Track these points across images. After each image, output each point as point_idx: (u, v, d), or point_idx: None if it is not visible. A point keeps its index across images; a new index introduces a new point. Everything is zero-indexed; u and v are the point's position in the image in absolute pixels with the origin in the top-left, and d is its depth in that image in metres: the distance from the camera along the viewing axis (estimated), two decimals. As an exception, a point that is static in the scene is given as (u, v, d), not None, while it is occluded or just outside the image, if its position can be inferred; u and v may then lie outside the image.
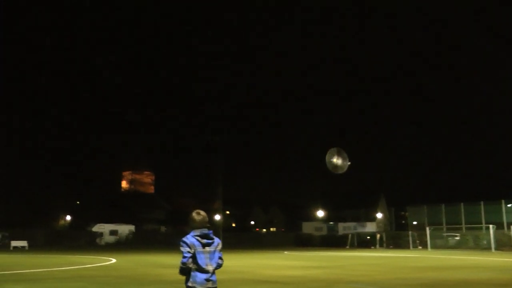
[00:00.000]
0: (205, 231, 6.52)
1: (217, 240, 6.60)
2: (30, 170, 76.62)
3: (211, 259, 6.47)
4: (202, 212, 6.71)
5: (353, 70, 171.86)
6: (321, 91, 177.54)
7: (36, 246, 59.53)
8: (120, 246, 64.93)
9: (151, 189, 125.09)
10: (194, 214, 6.64)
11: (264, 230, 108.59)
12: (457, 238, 54.23)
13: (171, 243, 65.47)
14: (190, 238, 6.47)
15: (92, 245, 65.54)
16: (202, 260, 6.39)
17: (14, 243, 57.38)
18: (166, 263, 28.03)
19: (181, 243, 6.47)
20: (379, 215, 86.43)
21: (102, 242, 67.87)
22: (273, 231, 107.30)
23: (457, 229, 54.88)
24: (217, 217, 70.19)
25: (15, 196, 73.90)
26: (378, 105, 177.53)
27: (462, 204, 57.62)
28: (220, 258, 6.62)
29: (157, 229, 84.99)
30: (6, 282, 17.37)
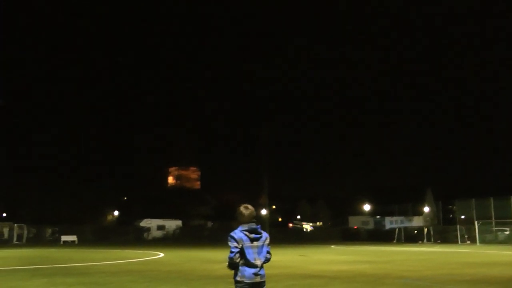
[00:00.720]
0: (253, 225, 6.51)
1: (265, 235, 6.58)
2: (79, 167, 77.89)
3: (259, 253, 6.46)
4: (250, 207, 6.69)
5: (397, 68, 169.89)
6: (368, 88, 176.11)
7: (85, 241, 60.56)
8: (167, 241, 65.48)
9: (197, 185, 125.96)
10: (242, 208, 6.62)
11: (310, 224, 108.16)
12: (507, 232, 53.08)
13: (218, 238, 65.76)
14: (238, 233, 6.46)
15: (140, 240, 66.27)
16: (251, 254, 6.38)
17: (64, 238, 58.53)
18: (214, 258, 28.13)
19: (229, 238, 6.47)
20: (426, 209, 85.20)
21: (150, 237, 68.59)
22: (319, 226, 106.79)
23: (507, 224, 53.61)
24: (263, 211, 70.23)
25: (65, 192, 75.23)
26: (424, 98, 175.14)
27: (512, 197, 56.28)
28: (268, 252, 6.61)
29: (204, 224, 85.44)
30: (58, 275, 17.69)
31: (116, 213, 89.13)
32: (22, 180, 73.33)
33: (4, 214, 78.77)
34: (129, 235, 67.29)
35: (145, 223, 70.61)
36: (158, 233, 69.69)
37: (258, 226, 6.55)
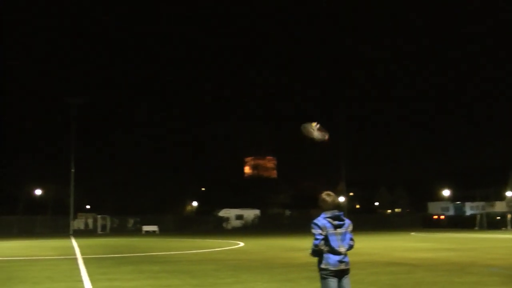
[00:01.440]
0: (336, 212, 6.49)
1: (347, 222, 6.56)
2: (159, 160, 79.55)
3: (342, 240, 6.44)
4: (332, 194, 6.68)
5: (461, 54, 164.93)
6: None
7: (166, 230, 61.80)
8: (246, 230, 66.03)
9: (274, 174, 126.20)
10: (324, 195, 6.61)
11: (389, 211, 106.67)
12: None
13: (297, 227, 65.85)
14: (321, 220, 6.45)
15: (219, 229, 67.10)
16: (334, 242, 6.37)
17: (145, 228, 59.97)
18: (295, 246, 28.21)
19: (313, 225, 6.47)
20: (509, 194, 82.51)
21: (229, 227, 69.38)
22: (398, 212, 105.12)
23: None
24: (341, 199, 69.81)
25: (146, 184, 77.01)
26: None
27: None
28: (351, 239, 6.59)
29: (282, 213, 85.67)
30: (143, 263, 18.20)
31: (194, 203, 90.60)
32: (105, 173, 75.47)
33: (88, 206, 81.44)
34: (208, 225, 68.31)
35: (224, 213, 71.44)
36: (237, 223, 70.41)
37: (341, 213, 6.54)
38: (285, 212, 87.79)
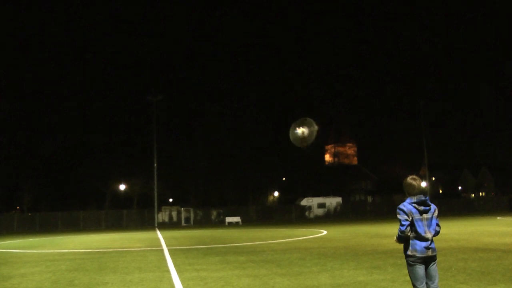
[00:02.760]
0: (422, 197, 6.38)
1: (433, 207, 6.43)
2: (239, 151, 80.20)
3: (429, 226, 6.33)
4: (418, 178, 6.56)
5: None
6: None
7: (249, 221, 62.47)
8: (328, 218, 65.99)
9: (355, 161, 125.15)
10: (410, 180, 6.48)
11: (473, 195, 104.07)
12: None
13: (380, 213, 65.27)
14: (407, 205, 6.36)
15: (302, 218, 67.28)
16: (421, 227, 6.27)
17: (228, 219, 60.78)
18: (380, 233, 27.96)
19: (398, 211, 6.38)
20: None
21: (311, 215, 69.45)
22: (482, 196, 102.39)
23: None
24: (423, 184, 68.61)
25: (227, 176, 77.89)
26: None
27: None
28: (437, 225, 6.47)
29: (365, 200, 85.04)
30: (229, 254, 18.41)
31: (276, 193, 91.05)
32: (187, 166, 76.81)
33: (171, 200, 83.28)
34: (290, 214, 68.57)
35: (306, 201, 71.56)
36: (319, 211, 70.40)
37: (427, 198, 6.42)
38: (368, 199, 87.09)
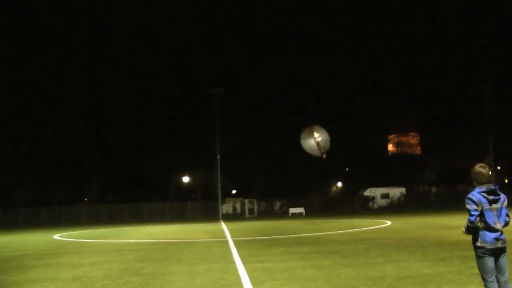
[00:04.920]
0: (492, 186, 6.23)
1: (503, 196, 6.27)
2: (297, 142, 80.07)
3: (499, 216, 6.19)
4: (487, 166, 6.41)
5: None
6: None
7: (312, 212, 62.45)
8: (392, 209, 65.32)
9: (418, 150, 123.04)
10: (479, 168, 6.32)
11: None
12: None
13: (444, 204, 64.14)
14: (476, 195, 6.22)
15: (365, 209, 66.87)
16: (491, 218, 6.14)
17: (292, 210, 60.95)
18: (445, 224, 27.48)
19: (467, 201, 6.25)
20: None
21: (375, 206, 68.93)
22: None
23: None
24: (490, 173, 66.97)
25: (290, 167, 77.93)
26: None
27: None
28: (507, 215, 6.30)
29: (429, 190, 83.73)
30: (292, 245, 18.47)
31: (339, 184, 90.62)
32: (250, 158, 77.20)
33: (234, 191, 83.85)
34: (354, 205, 68.26)
35: (369, 192, 71.04)
36: (382, 202, 69.80)
37: (497, 187, 6.26)
38: (432, 189, 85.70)
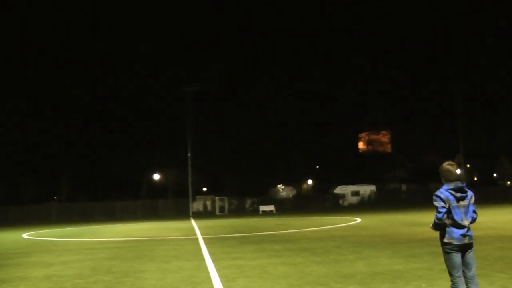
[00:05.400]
0: (459, 184, 6.30)
1: (470, 193, 6.35)
2: (272, 141, 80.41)
3: (466, 213, 6.27)
4: (455, 164, 6.49)
5: None
6: None
7: (283, 210, 62.58)
8: (363, 206, 65.69)
9: (389, 148, 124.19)
10: (447, 166, 6.40)
11: (509, 182, 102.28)
12: None
13: (414, 201, 64.73)
14: (444, 192, 6.29)
15: (336, 206, 67.15)
16: (458, 215, 6.22)
17: (262, 208, 60.98)
18: (415, 221, 27.75)
19: (435, 198, 6.32)
20: None
21: (345, 203, 69.27)
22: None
23: None
24: (458, 171, 67.87)
25: (261, 165, 78.12)
26: None
27: None
28: (474, 211, 6.40)
29: (399, 188, 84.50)
30: (263, 242, 18.53)
31: (310, 181, 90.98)
32: (221, 156, 77.27)
33: (205, 189, 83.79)
34: (325, 203, 68.47)
35: (340, 189, 71.39)
36: (353, 199, 70.18)
37: (464, 184, 6.33)
38: (402, 187, 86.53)
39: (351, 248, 15.11)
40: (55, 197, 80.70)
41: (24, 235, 30.41)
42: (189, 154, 62.42)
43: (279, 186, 61.57)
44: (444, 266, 6.52)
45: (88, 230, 33.88)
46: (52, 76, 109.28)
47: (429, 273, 10.02)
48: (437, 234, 6.49)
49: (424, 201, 61.76)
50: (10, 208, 61.60)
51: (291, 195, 59.93)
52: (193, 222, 40.31)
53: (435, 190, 6.42)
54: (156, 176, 73.77)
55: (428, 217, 30.26)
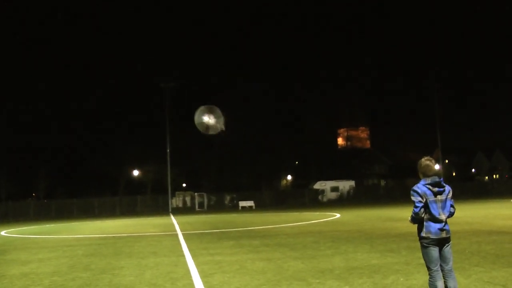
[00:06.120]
0: (436, 179, 6.33)
1: (448, 188, 6.38)
2: (252, 136, 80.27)
3: (443, 208, 6.30)
4: (433, 159, 6.52)
5: None
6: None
7: (262, 205, 62.66)
8: (342, 202, 66.01)
9: (368, 144, 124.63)
10: (425, 161, 6.42)
11: (487, 177, 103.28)
12: None
13: (393, 197, 65.17)
14: (421, 187, 6.33)
15: (315, 202, 67.34)
16: (435, 209, 6.25)
17: (242, 204, 61.10)
18: (393, 217, 27.95)
19: (412, 193, 6.35)
20: None
21: (324, 199, 69.49)
22: (496, 179, 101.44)
23: None
24: (437, 167, 68.39)
25: (240, 161, 78.01)
26: None
27: None
28: (452, 206, 6.43)
29: (377, 184, 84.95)
30: (242, 238, 18.53)
31: (289, 177, 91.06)
32: (201, 152, 76.97)
33: (184, 185, 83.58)
34: (304, 198, 68.64)
35: (319, 185, 71.58)
36: (332, 195, 70.42)
37: (441, 179, 6.37)
38: (381, 182, 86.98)
39: (328, 244, 15.15)
40: (33, 194, 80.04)
41: (2, 233, 30.15)
42: (168, 150, 62.18)
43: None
44: (422, 260, 6.56)
45: (66, 227, 33.68)
46: (25, 73, 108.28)
47: (407, 267, 10.08)
48: (414, 228, 6.53)
49: (402, 197, 62.20)
50: (-13, 205, 61.07)
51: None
52: (173, 218, 40.26)
53: (413, 186, 6.44)
54: (135, 172, 73.46)
55: (405, 212, 30.47)
